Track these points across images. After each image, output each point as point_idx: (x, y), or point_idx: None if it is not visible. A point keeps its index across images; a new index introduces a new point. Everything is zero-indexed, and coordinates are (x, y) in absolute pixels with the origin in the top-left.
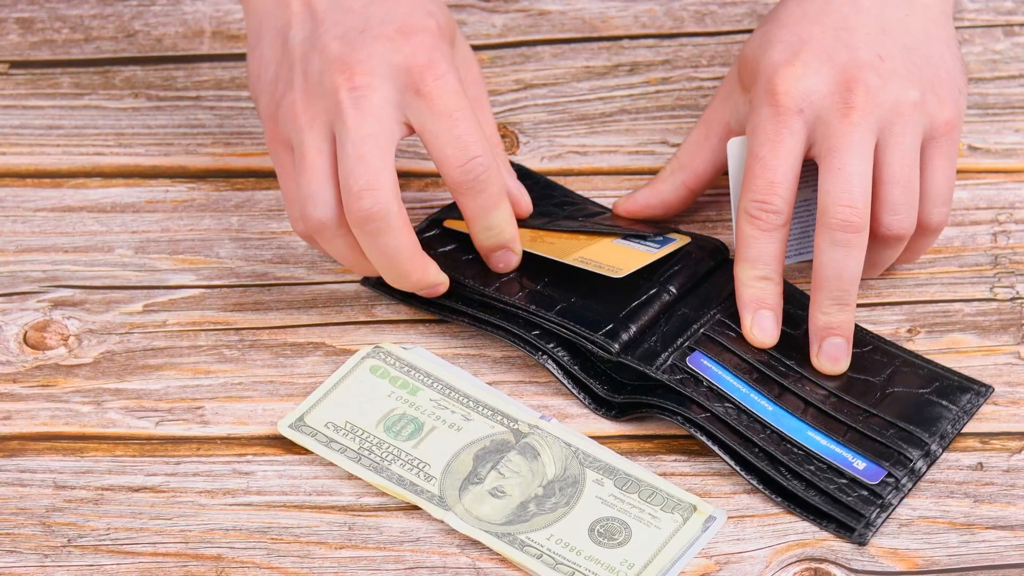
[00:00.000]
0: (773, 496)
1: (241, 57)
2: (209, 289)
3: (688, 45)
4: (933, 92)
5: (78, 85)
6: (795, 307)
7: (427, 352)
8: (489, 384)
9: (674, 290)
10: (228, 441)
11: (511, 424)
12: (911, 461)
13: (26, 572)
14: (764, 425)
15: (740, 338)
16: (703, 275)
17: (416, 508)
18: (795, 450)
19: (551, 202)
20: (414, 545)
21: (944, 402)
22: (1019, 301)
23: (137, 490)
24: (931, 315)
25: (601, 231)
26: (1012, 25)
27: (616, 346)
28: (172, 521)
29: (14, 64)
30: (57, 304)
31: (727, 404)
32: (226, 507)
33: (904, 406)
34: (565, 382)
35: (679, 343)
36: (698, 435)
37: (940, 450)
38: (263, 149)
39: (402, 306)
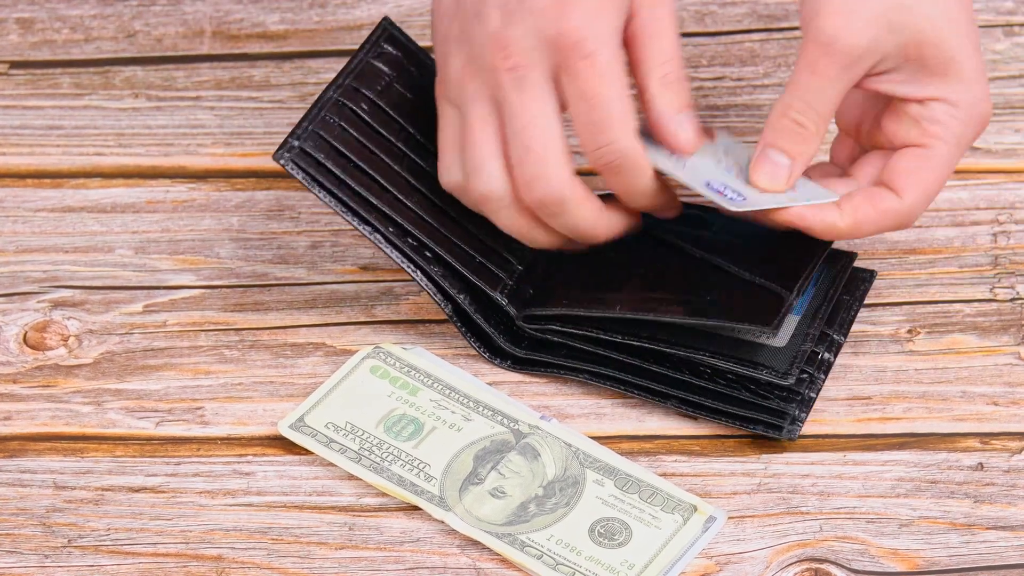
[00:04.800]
0: (692, 412)
1: (241, 58)
2: (209, 289)
3: (688, 45)
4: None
5: (78, 85)
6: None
7: (427, 352)
8: (489, 384)
9: None
10: (228, 441)
11: (511, 424)
12: (818, 354)
13: (26, 572)
14: (664, 351)
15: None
16: None
17: (416, 508)
18: (704, 369)
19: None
20: (414, 545)
21: (843, 295)
22: (1019, 301)
23: (137, 490)
24: (931, 315)
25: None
26: (1012, 25)
27: (509, 305)
28: (172, 521)
29: (14, 64)
30: (57, 304)
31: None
32: (226, 507)
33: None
34: (459, 326)
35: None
36: (609, 385)
37: (842, 338)
38: (264, 149)
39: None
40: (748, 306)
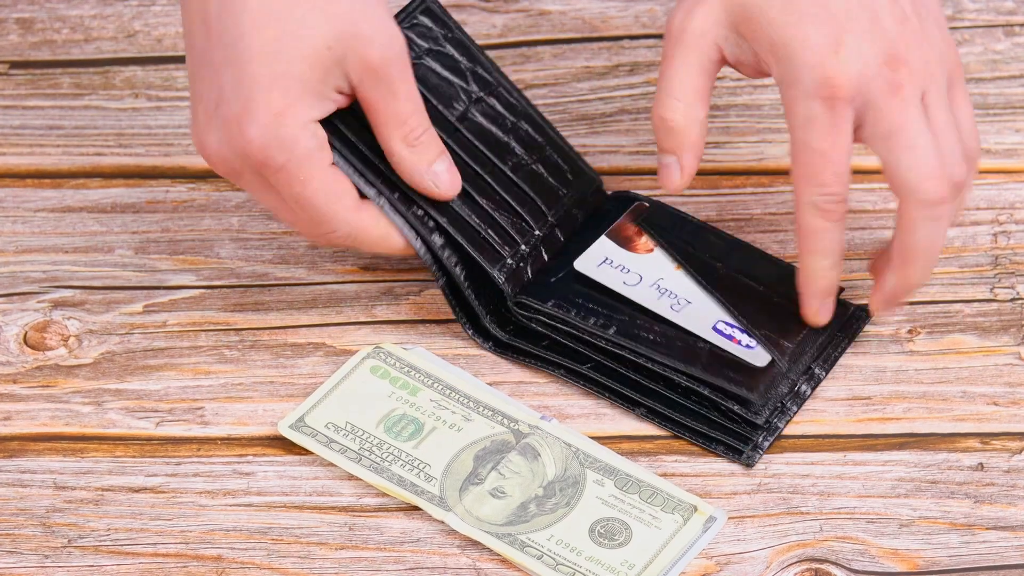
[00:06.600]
0: (659, 422)
1: None
2: (209, 289)
3: None
4: (943, 40)
5: (78, 85)
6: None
7: (427, 352)
8: (489, 384)
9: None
10: (228, 442)
11: (511, 424)
12: (795, 384)
13: (26, 572)
14: (648, 354)
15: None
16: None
17: (416, 509)
18: (679, 384)
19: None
20: (414, 546)
21: (836, 331)
22: (1019, 302)
23: (137, 491)
24: (931, 316)
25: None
26: (1012, 25)
27: (506, 284)
28: (172, 522)
29: (14, 64)
30: (57, 304)
31: (611, 328)
32: (226, 508)
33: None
34: (449, 298)
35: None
36: (583, 384)
37: (823, 373)
38: None
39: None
40: (738, 364)
